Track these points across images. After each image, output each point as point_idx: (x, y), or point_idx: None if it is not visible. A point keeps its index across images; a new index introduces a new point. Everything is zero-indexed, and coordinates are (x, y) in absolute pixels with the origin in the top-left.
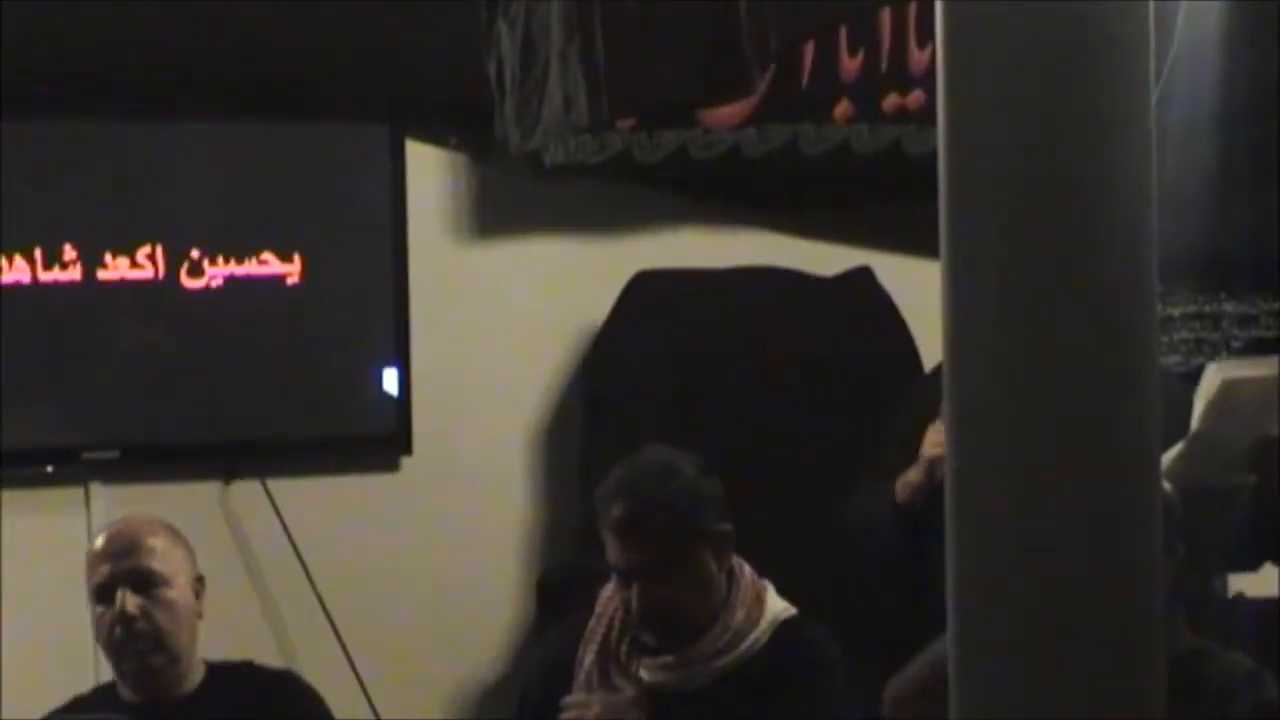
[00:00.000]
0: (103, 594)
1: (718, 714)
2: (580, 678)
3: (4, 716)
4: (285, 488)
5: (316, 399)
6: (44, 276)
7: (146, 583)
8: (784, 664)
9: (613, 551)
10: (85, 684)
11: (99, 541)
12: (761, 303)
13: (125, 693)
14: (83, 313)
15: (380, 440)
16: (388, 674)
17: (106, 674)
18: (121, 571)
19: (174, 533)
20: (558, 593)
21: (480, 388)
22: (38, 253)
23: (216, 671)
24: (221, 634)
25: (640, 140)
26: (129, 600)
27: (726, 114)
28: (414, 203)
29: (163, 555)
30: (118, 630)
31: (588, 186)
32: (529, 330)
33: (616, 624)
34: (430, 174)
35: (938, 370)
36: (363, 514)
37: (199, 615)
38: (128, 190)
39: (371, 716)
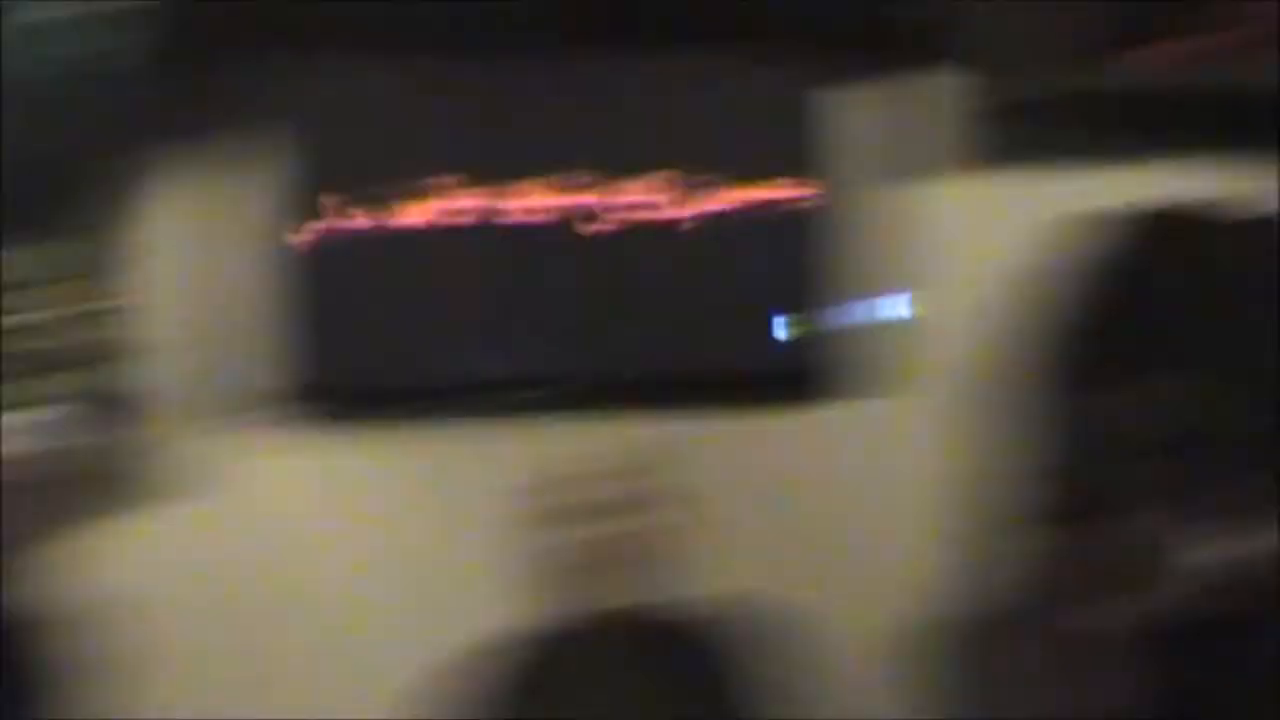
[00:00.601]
0: (587, 515)
1: None
2: None
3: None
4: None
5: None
6: (503, 207)
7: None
8: None
9: None
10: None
11: (585, 465)
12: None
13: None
14: (518, 249)
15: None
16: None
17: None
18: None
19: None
20: None
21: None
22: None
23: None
24: None
25: None
26: (623, 519)
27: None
28: None
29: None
30: (603, 549)
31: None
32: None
33: None
34: None
35: None
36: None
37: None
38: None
39: None
